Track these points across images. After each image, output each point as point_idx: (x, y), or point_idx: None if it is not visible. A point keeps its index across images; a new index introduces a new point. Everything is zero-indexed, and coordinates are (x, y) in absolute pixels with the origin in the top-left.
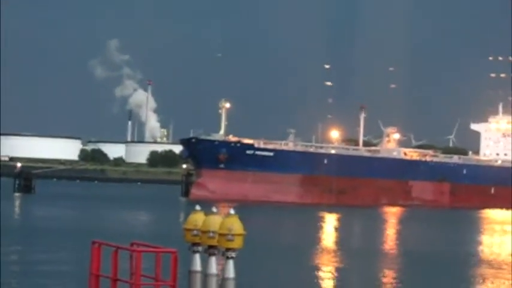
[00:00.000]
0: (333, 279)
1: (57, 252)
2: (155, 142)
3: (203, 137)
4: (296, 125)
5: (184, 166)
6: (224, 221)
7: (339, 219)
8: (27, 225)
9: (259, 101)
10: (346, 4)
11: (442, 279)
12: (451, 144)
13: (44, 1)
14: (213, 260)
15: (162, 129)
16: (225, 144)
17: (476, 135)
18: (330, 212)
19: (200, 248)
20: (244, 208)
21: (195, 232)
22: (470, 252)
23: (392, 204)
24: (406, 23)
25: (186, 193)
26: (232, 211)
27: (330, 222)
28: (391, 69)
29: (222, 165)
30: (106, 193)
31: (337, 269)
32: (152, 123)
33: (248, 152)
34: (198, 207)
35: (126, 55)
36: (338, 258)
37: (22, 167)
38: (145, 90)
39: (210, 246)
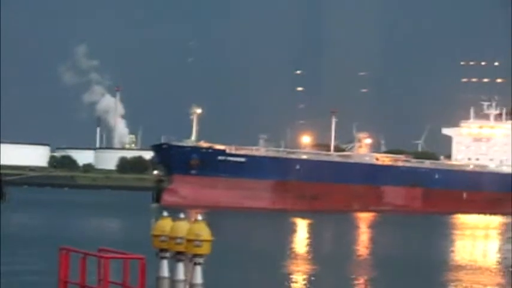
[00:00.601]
0: (305, 286)
1: (27, 261)
2: (124, 148)
3: (174, 142)
4: (267, 131)
5: (155, 172)
6: (192, 227)
7: (311, 225)
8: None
9: (231, 107)
10: (316, 8)
11: (414, 284)
12: (419, 149)
13: (11, 5)
14: (180, 266)
15: (131, 136)
16: (197, 150)
17: (447, 139)
18: (302, 217)
19: (168, 254)
20: (216, 214)
21: (162, 238)
22: (442, 256)
23: (365, 209)
24: (377, 27)
25: (157, 199)
26: (200, 217)
27: (302, 228)
28: (362, 73)
29: (193, 171)
30: (76, 200)
31: (309, 275)
32: (121, 129)
33: (220, 157)
34: (165, 213)
35: (95, 60)
36: (310, 265)
37: None
38: (114, 96)
39: (178, 252)
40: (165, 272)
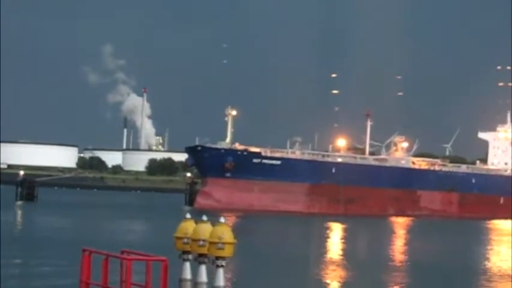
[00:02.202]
0: None
1: (50, 263)
2: (152, 150)
3: (209, 145)
4: (302, 133)
5: (188, 174)
6: (214, 230)
7: (345, 230)
8: (30, 235)
9: (265, 109)
10: (353, 12)
11: None
12: (447, 153)
13: (37, 8)
14: (203, 268)
15: (157, 137)
16: (232, 152)
17: (480, 144)
18: (337, 222)
19: (190, 256)
20: (250, 217)
21: (185, 240)
22: (478, 263)
23: (400, 214)
24: (414, 31)
25: (190, 202)
26: (222, 219)
27: (336, 232)
28: (398, 77)
29: (228, 174)
30: (107, 201)
31: (342, 282)
32: (147, 130)
33: (255, 160)
34: (188, 216)
35: (121, 60)
36: (343, 270)
37: (25, 175)
38: (140, 96)
39: (200, 255)
40: (187, 274)
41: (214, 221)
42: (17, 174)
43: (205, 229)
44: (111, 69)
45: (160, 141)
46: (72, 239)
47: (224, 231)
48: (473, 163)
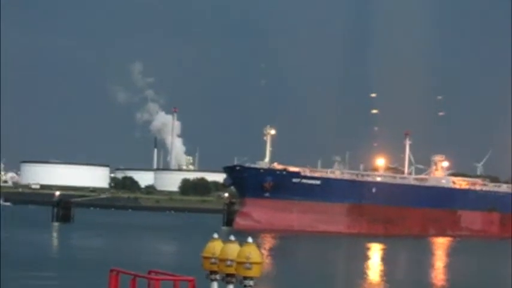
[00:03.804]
0: None
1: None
2: (183, 170)
3: (248, 164)
4: (341, 153)
5: (226, 195)
6: (242, 250)
7: (385, 250)
8: (66, 255)
9: (304, 128)
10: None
11: None
12: (478, 173)
13: (68, 28)
14: None
15: (188, 157)
16: (271, 172)
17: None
18: (377, 242)
19: (218, 276)
20: (290, 238)
21: (213, 260)
22: None
23: (441, 234)
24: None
25: (228, 222)
26: (250, 239)
27: (376, 253)
28: (439, 97)
29: (267, 194)
30: (143, 222)
31: None
32: (177, 148)
33: (294, 180)
34: (215, 236)
35: (151, 78)
36: None
37: (61, 195)
38: (169, 114)
39: (228, 275)
40: None
41: (242, 241)
42: (52, 195)
43: (233, 249)
44: (140, 87)
45: (191, 160)
46: (105, 260)
47: (252, 251)
48: (507, 182)
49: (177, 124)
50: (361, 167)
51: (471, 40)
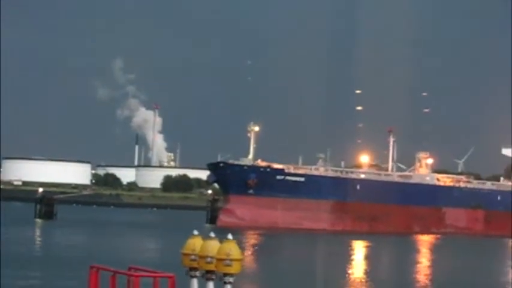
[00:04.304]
0: None
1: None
2: (165, 166)
3: (231, 161)
4: (325, 150)
5: (209, 192)
6: (222, 246)
7: (370, 248)
8: (48, 253)
9: (286, 125)
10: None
11: None
12: (459, 170)
13: (46, 23)
14: (210, 285)
15: (169, 154)
16: (255, 169)
17: (497, 160)
18: (362, 239)
19: (198, 273)
20: (273, 235)
21: (192, 257)
22: (505, 284)
23: (426, 231)
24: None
25: (211, 220)
26: (230, 236)
27: (360, 250)
28: (424, 94)
29: (251, 191)
30: (126, 219)
31: None
32: (159, 145)
33: (278, 177)
34: (195, 232)
35: (132, 74)
36: None
37: (44, 192)
38: (150, 110)
39: (208, 271)
40: None
41: (223, 239)
42: (35, 192)
43: (213, 246)
44: (121, 83)
45: (172, 157)
46: (88, 257)
47: (232, 247)
48: (489, 179)
49: (159, 120)
50: (342, 164)
51: (457, 38)
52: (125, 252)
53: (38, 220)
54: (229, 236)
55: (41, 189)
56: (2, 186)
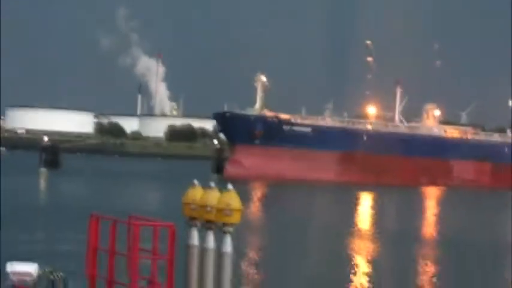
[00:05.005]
0: (362, 267)
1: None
2: (169, 115)
3: (237, 111)
4: (334, 101)
5: (215, 141)
6: (222, 196)
7: (376, 200)
8: (53, 203)
9: (295, 75)
10: None
11: (480, 268)
12: (462, 121)
13: None
14: (210, 235)
15: (172, 103)
16: (262, 119)
17: (501, 113)
18: (369, 191)
19: (198, 223)
20: (280, 186)
21: (193, 207)
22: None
23: (432, 183)
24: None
25: (218, 170)
26: (230, 186)
27: (366, 202)
28: (436, 46)
29: (257, 142)
30: (131, 169)
31: (369, 254)
32: (161, 93)
33: (285, 128)
34: (196, 182)
35: (134, 21)
36: (371, 242)
37: (49, 140)
38: (153, 58)
39: (208, 221)
40: (195, 240)
41: (223, 189)
42: (39, 140)
43: (213, 196)
44: (124, 31)
45: (175, 106)
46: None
47: (232, 197)
48: (493, 131)
49: (161, 69)
50: (345, 115)
51: None
52: (129, 202)
53: (43, 169)
54: (229, 186)
55: (46, 138)
56: (6, 135)
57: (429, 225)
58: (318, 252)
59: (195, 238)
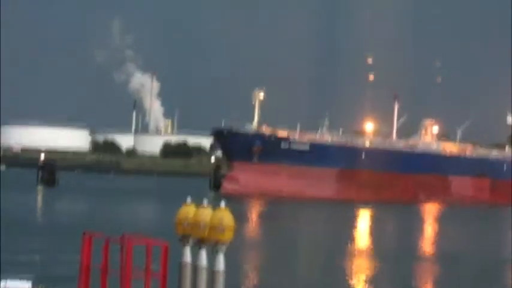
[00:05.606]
0: (360, 285)
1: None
2: (164, 133)
3: (235, 128)
4: (329, 117)
5: (212, 158)
6: (214, 214)
7: (374, 217)
8: (49, 221)
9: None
10: None
11: (481, 284)
12: (457, 137)
13: None
14: (203, 253)
15: (167, 119)
16: (259, 136)
17: (498, 129)
18: (367, 208)
19: (190, 241)
20: (278, 203)
21: (185, 224)
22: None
23: (431, 200)
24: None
25: (215, 186)
26: (223, 204)
27: (365, 219)
28: (437, 63)
29: (255, 158)
30: (128, 186)
31: (368, 271)
32: (156, 111)
33: (283, 144)
34: (188, 200)
35: (130, 36)
36: (370, 260)
37: (46, 158)
38: (149, 76)
39: (200, 239)
40: (187, 258)
41: (215, 206)
42: (37, 158)
43: (206, 213)
44: (119, 47)
45: (170, 123)
46: (87, 224)
47: (224, 215)
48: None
49: (156, 85)
50: (341, 131)
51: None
52: (124, 220)
53: (40, 187)
54: (222, 204)
55: (43, 155)
56: (2, 153)
57: (428, 241)
58: (314, 270)
59: (187, 256)
